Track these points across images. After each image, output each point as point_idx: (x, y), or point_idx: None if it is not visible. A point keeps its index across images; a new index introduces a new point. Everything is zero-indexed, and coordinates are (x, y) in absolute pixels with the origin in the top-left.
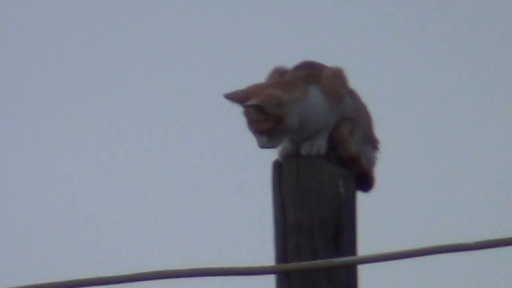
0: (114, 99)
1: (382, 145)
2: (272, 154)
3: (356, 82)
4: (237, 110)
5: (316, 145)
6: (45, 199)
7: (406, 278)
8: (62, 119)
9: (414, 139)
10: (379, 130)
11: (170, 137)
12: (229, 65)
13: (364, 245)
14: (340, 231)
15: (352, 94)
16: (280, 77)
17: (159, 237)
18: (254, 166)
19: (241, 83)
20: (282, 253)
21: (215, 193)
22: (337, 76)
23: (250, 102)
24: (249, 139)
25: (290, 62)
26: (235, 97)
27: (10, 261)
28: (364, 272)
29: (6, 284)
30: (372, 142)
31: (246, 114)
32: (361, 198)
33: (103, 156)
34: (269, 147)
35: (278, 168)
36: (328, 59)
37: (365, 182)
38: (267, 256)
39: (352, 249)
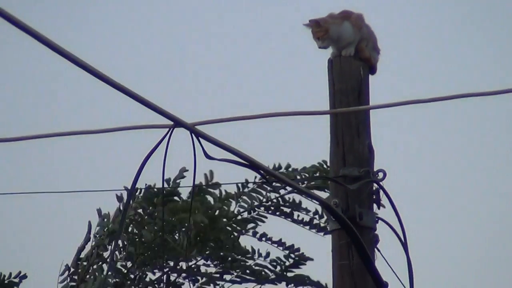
0: None
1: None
2: (327, 55)
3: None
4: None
5: (349, 50)
6: None
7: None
8: None
9: None
10: None
11: None
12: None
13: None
14: (361, 94)
15: (365, 25)
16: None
17: None
18: (320, 60)
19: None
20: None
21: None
22: (360, 17)
23: (313, 19)
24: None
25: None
26: (310, 23)
27: None
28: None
29: None
30: (376, 49)
31: (311, 26)
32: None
33: None
34: (323, 47)
35: (330, 62)
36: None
37: (372, 68)
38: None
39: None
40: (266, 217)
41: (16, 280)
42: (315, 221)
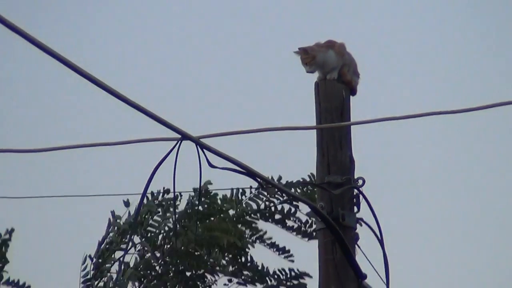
0: None
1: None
2: (314, 78)
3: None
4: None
5: (333, 75)
6: None
7: None
8: None
9: None
10: None
11: None
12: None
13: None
14: (343, 112)
15: (347, 53)
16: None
17: None
18: (308, 83)
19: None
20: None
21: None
22: (342, 45)
23: (302, 47)
24: (304, 74)
25: (323, 39)
26: (299, 50)
27: None
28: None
29: None
30: (356, 74)
31: (300, 54)
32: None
33: None
34: (310, 72)
35: (317, 84)
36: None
37: (352, 90)
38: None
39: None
40: (256, 223)
41: (7, 236)
42: (303, 228)
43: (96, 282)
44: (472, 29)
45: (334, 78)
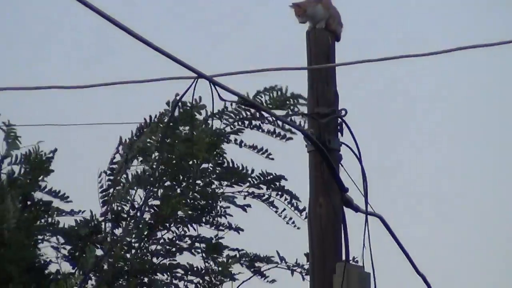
0: None
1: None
2: (305, 28)
3: None
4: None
5: (321, 24)
6: None
7: None
8: None
9: None
10: None
11: None
12: None
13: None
14: (329, 55)
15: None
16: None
17: None
18: (300, 32)
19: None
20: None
21: None
22: (329, 0)
23: (295, 3)
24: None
25: None
26: (293, 5)
27: None
28: None
29: None
30: (340, 24)
31: (294, 8)
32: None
33: None
34: (302, 22)
35: (308, 33)
36: None
37: (337, 37)
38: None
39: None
40: (243, 130)
41: (51, 155)
42: (278, 131)
43: (111, 191)
44: None
45: (322, 27)
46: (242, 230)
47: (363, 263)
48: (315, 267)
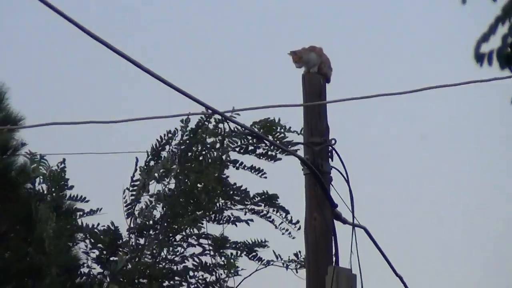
0: None
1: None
2: (301, 72)
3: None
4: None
5: (314, 69)
6: None
7: None
8: None
9: None
10: None
11: None
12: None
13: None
14: (321, 94)
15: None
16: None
17: None
18: (297, 75)
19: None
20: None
21: None
22: (321, 49)
23: (292, 51)
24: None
25: (307, 44)
26: (290, 53)
27: None
28: None
29: None
30: (330, 68)
31: (291, 55)
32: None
33: None
34: (299, 67)
35: (303, 76)
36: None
37: (327, 80)
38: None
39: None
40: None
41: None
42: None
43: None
44: None
45: (315, 71)
46: (250, 222)
47: (350, 266)
48: (311, 270)
